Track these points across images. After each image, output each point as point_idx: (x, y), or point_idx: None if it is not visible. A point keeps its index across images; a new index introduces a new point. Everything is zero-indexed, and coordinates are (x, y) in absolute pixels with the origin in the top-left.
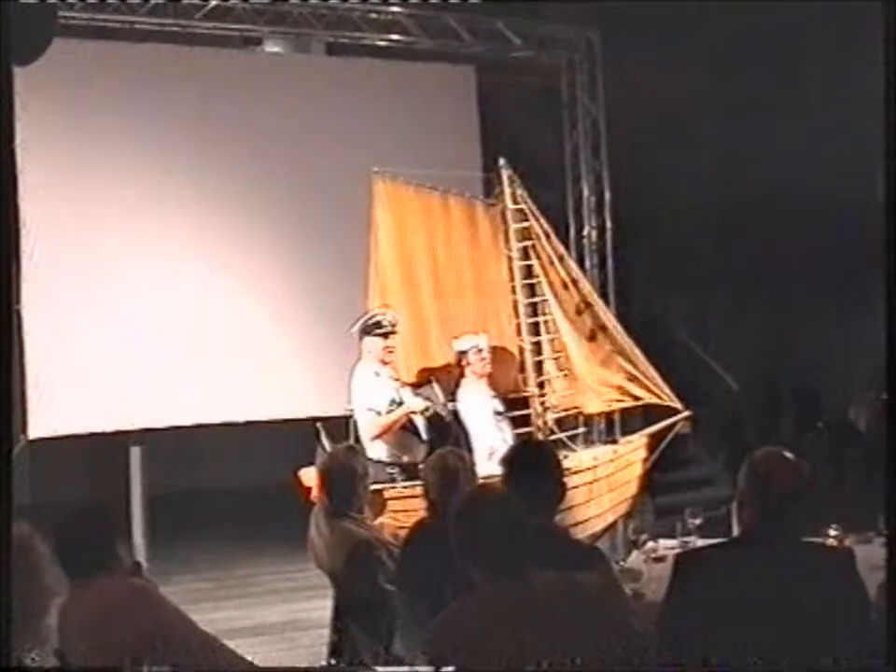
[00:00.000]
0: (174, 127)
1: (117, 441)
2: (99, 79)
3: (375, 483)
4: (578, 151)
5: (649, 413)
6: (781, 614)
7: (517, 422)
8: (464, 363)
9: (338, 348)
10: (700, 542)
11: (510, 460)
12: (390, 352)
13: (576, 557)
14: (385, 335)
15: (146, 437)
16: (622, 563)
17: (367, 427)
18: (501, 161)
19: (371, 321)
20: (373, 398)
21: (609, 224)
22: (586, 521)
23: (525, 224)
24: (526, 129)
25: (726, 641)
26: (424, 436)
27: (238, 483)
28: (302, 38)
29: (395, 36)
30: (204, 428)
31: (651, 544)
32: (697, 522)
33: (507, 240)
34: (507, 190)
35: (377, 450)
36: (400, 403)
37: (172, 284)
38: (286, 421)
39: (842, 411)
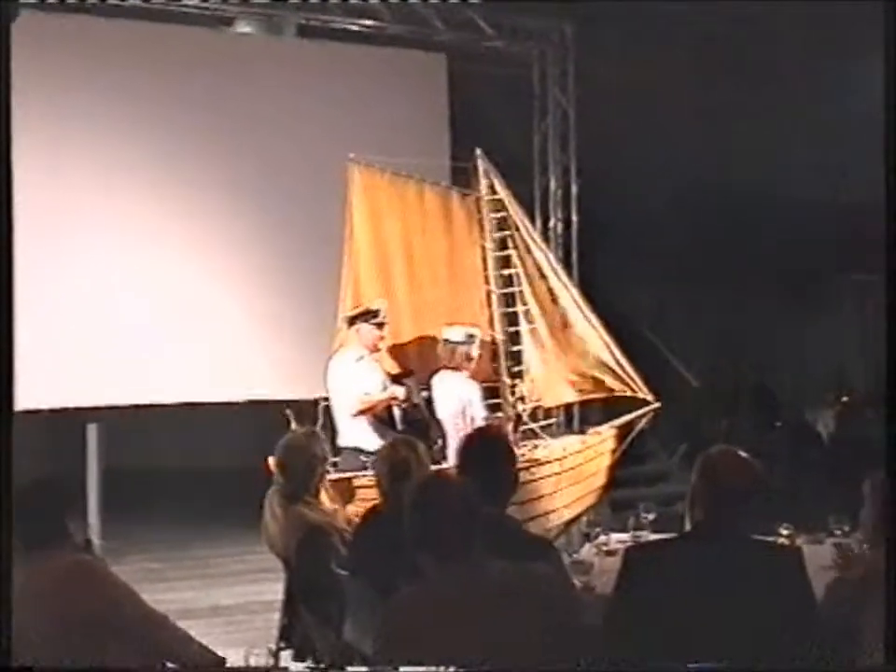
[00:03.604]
0: (140, 104)
1: (73, 419)
2: (65, 54)
3: (348, 470)
4: (546, 143)
5: (607, 405)
6: (727, 610)
7: (491, 412)
8: (448, 353)
9: (302, 333)
10: (652, 537)
11: (463, 450)
12: (381, 338)
13: (526, 548)
14: (380, 325)
15: (103, 415)
16: (573, 555)
17: (351, 404)
18: (478, 152)
19: (368, 309)
20: (365, 380)
21: (574, 217)
22: (554, 511)
23: (501, 214)
24: (496, 119)
25: (672, 635)
26: (399, 426)
27: (196, 463)
28: (274, 20)
29: (367, 21)
30: (163, 408)
31: (603, 537)
32: (650, 517)
33: (482, 230)
34: (483, 180)
35: (352, 437)
36: (384, 389)
37: (134, 263)
38: (246, 403)
39: (800, 411)
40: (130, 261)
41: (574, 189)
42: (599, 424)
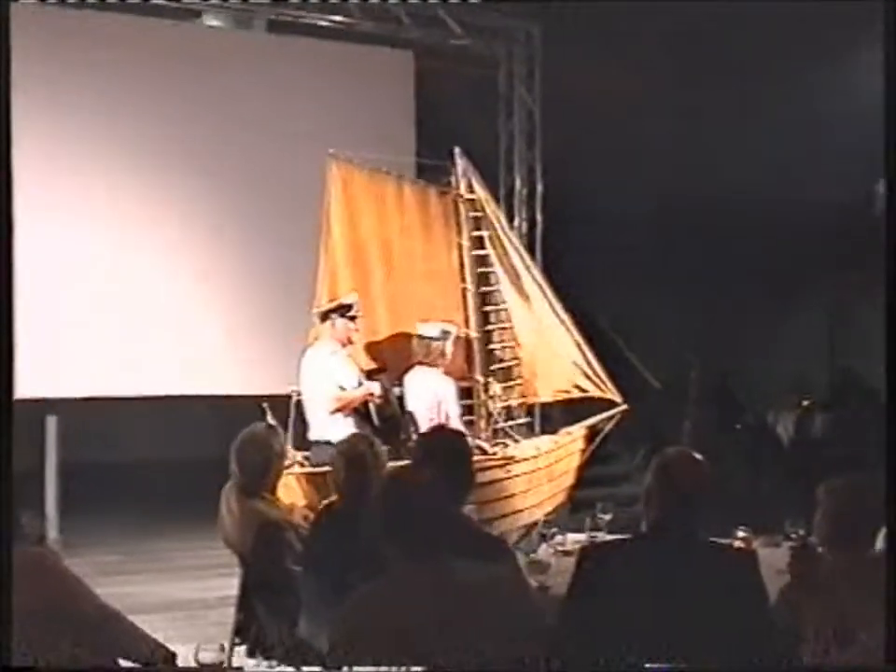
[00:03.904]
0: (108, 93)
1: (32, 411)
2: (33, 43)
3: (320, 464)
4: (512, 142)
5: (570, 406)
6: (679, 612)
7: (464, 411)
8: (423, 349)
9: (265, 329)
10: (608, 538)
11: (419, 447)
12: (355, 332)
13: (482, 547)
14: (353, 318)
15: (62, 407)
16: (531, 555)
17: (328, 401)
18: (456, 150)
19: (342, 303)
20: (338, 374)
21: (539, 217)
22: (526, 510)
23: (479, 213)
24: (462, 117)
25: (625, 636)
26: (376, 421)
27: (155, 457)
28: (243, 14)
29: (336, 17)
30: (122, 401)
31: (559, 538)
32: (607, 517)
33: (459, 228)
34: (461, 179)
35: (325, 431)
36: (360, 384)
37: (98, 255)
38: (211, 397)
39: (761, 414)
40: (94, 252)
41: (539, 188)
42: (552, 424)
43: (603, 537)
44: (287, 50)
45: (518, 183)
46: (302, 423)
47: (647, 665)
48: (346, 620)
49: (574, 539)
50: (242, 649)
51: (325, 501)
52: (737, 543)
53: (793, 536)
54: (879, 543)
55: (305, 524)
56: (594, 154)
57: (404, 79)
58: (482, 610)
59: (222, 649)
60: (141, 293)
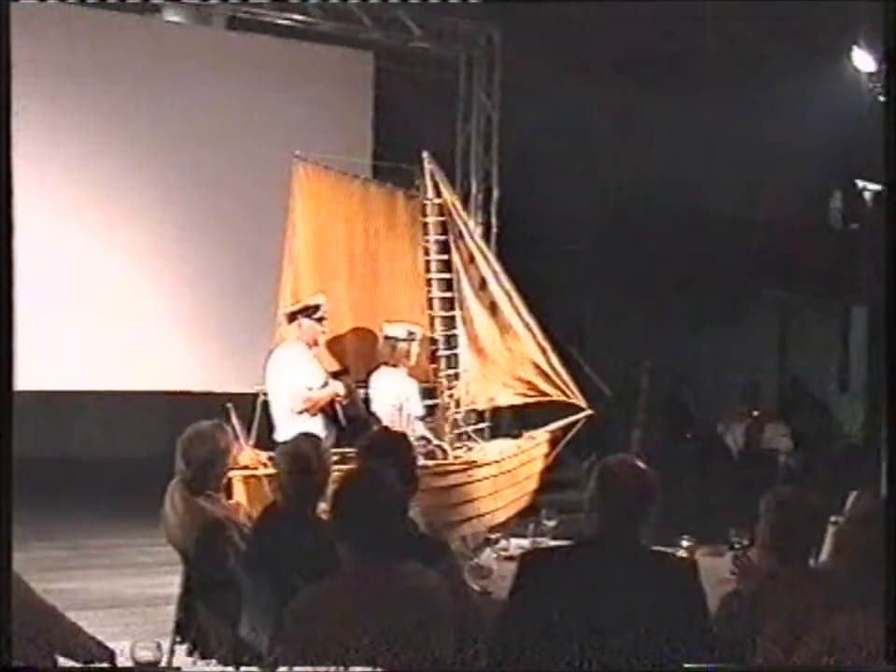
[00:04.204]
0: (65, 85)
1: None
2: None
3: None
4: (469, 146)
5: (521, 412)
6: (618, 618)
7: (427, 413)
8: (388, 350)
9: (224, 326)
10: (551, 543)
11: (363, 450)
12: (322, 333)
13: (423, 551)
14: (320, 320)
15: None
16: (474, 559)
17: (295, 400)
18: (425, 154)
19: (309, 305)
20: (305, 374)
21: (494, 221)
22: (488, 513)
23: (445, 218)
24: (420, 119)
25: (564, 642)
26: (342, 422)
27: (107, 452)
28: (202, 10)
29: (296, 16)
30: (75, 395)
31: (503, 542)
32: (552, 523)
33: (425, 233)
34: (429, 183)
35: (291, 432)
36: (326, 385)
37: (56, 247)
38: (168, 394)
39: (711, 424)
40: (57, 249)
41: (495, 192)
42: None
43: (546, 543)
44: (246, 48)
45: (474, 187)
46: (268, 424)
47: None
48: (288, 621)
49: (518, 545)
50: (182, 647)
51: (268, 501)
52: (681, 552)
53: (737, 546)
54: (823, 555)
55: (249, 523)
56: (550, 159)
57: (363, 80)
58: (421, 613)
59: (159, 647)
60: (98, 288)
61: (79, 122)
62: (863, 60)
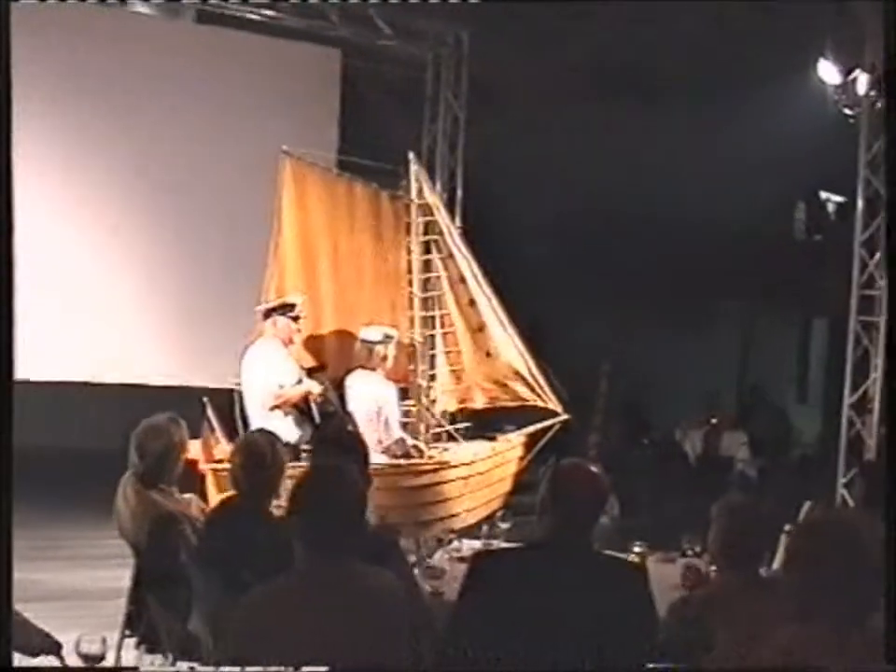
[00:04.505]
0: (31, 75)
1: None
2: None
3: None
4: (435, 146)
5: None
6: (566, 622)
7: (404, 413)
8: (365, 353)
9: (188, 322)
10: (503, 545)
11: (317, 445)
12: (297, 332)
13: (374, 550)
14: (296, 318)
15: None
16: (427, 560)
17: (267, 397)
18: (411, 155)
19: (286, 302)
20: (279, 371)
21: (458, 222)
22: (460, 514)
23: (429, 219)
24: (386, 118)
25: (512, 643)
26: (316, 419)
27: (61, 443)
28: (171, 3)
29: (265, 11)
30: (28, 386)
31: (456, 543)
32: (505, 526)
33: (409, 233)
34: (413, 184)
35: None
36: (300, 382)
37: (24, 239)
38: (115, 386)
39: (669, 430)
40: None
41: (460, 193)
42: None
43: (499, 544)
44: (214, 42)
45: (439, 187)
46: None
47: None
48: (238, 617)
49: (470, 546)
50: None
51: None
52: (632, 557)
53: (689, 552)
54: (776, 563)
55: (202, 517)
56: (515, 162)
57: (330, 77)
58: (374, 613)
59: (104, 641)
60: (62, 278)
61: (42, 113)
62: (829, 72)
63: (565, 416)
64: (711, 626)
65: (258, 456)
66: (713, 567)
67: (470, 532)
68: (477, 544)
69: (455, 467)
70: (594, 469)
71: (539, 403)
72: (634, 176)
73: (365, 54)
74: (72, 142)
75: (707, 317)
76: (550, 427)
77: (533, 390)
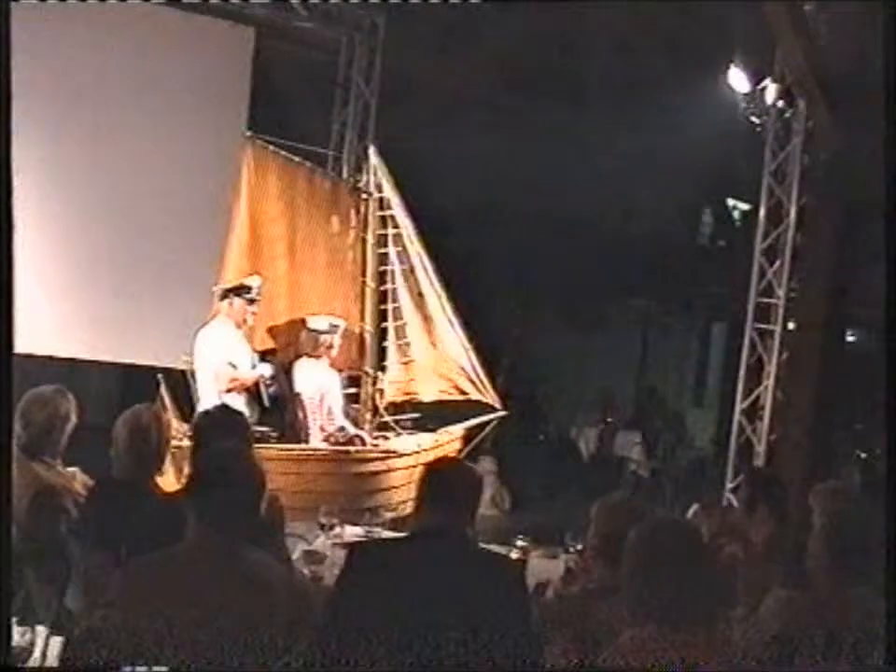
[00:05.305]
0: None
1: None
2: None
3: None
4: (344, 131)
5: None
6: (440, 613)
7: (350, 401)
8: (311, 341)
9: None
10: (385, 534)
11: (200, 426)
12: (252, 314)
13: (260, 531)
14: (252, 300)
15: None
16: (308, 544)
17: (220, 379)
18: (371, 148)
19: (243, 284)
20: (233, 354)
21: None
22: (404, 502)
23: (387, 212)
24: (297, 100)
25: (386, 633)
26: (265, 402)
27: None
28: None
29: None
30: None
31: (338, 529)
32: (390, 515)
33: (366, 224)
34: (372, 177)
35: None
36: (254, 366)
37: None
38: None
39: (565, 427)
40: None
41: (365, 180)
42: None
43: (380, 532)
44: (128, 14)
45: (345, 173)
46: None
47: None
48: (115, 590)
49: (352, 532)
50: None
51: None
52: (514, 552)
53: (571, 550)
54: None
55: (85, 492)
56: (424, 153)
57: (242, 56)
58: (248, 592)
59: None
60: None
61: None
62: (738, 80)
63: (503, 412)
64: (577, 624)
65: (144, 431)
66: (589, 566)
67: (353, 519)
68: (359, 531)
69: (401, 456)
70: (467, 463)
71: (480, 398)
72: (543, 174)
73: (280, 35)
74: None
75: (608, 317)
76: (488, 422)
77: (475, 385)
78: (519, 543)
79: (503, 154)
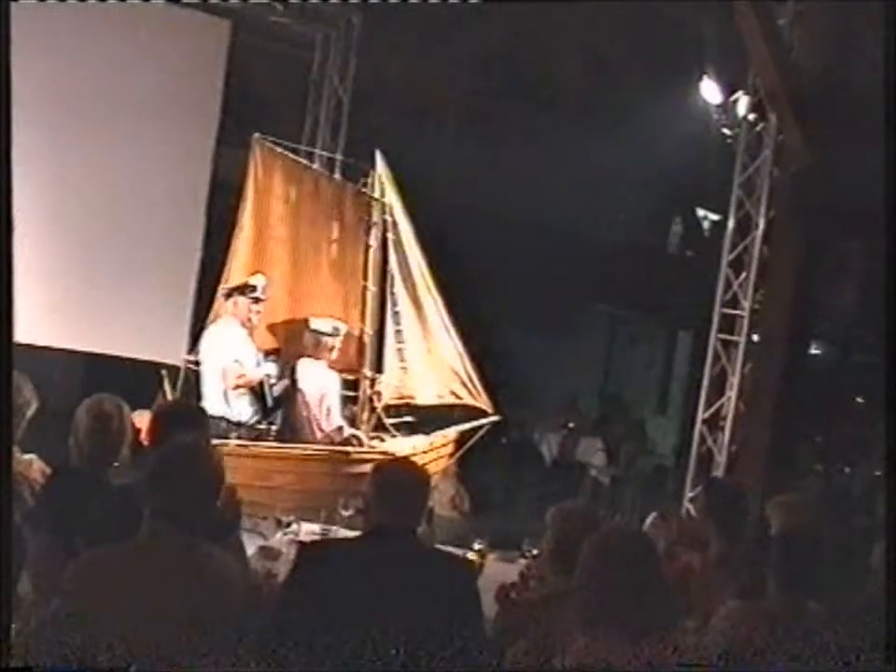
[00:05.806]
0: None
1: None
2: None
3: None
4: (317, 128)
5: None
6: (386, 613)
7: (348, 402)
8: (313, 343)
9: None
10: (342, 533)
11: (161, 417)
12: (257, 314)
13: (216, 526)
14: (257, 300)
15: None
16: (264, 541)
17: (228, 377)
18: (377, 153)
19: (248, 284)
20: (239, 352)
21: None
22: None
23: (389, 217)
24: (271, 95)
25: (336, 634)
26: (269, 401)
27: None
28: None
29: None
30: None
31: (294, 526)
32: (347, 513)
33: (368, 228)
34: (377, 182)
35: (217, 406)
36: (258, 365)
37: None
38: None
39: (527, 431)
40: None
41: (337, 177)
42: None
43: (336, 531)
44: (105, 5)
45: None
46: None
47: None
48: (68, 581)
49: (308, 530)
50: None
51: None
52: (471, 555)
53: (527, 554)
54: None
55: (42, 480)
56: (395, 154)
57: (217, 49)
58: (201, 587)
59: None
60: None
61: None
62: (711, 91)
63: (496, 417)
64: (527, 629)
65: (105, 420)
66: (543, 571)
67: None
68: (315, 528)
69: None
70: (416, 462)
71: (473, 403)
72: (514, 179)
73: (255, 30)
74: None
75: (574, 323)
76: (481, 426)
77: (468, 389)
78: (476, 546)
79: (474, 159)
